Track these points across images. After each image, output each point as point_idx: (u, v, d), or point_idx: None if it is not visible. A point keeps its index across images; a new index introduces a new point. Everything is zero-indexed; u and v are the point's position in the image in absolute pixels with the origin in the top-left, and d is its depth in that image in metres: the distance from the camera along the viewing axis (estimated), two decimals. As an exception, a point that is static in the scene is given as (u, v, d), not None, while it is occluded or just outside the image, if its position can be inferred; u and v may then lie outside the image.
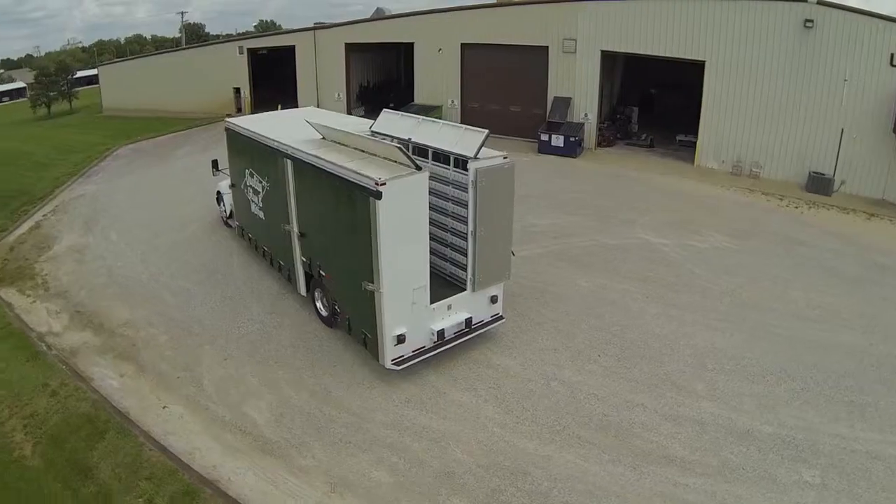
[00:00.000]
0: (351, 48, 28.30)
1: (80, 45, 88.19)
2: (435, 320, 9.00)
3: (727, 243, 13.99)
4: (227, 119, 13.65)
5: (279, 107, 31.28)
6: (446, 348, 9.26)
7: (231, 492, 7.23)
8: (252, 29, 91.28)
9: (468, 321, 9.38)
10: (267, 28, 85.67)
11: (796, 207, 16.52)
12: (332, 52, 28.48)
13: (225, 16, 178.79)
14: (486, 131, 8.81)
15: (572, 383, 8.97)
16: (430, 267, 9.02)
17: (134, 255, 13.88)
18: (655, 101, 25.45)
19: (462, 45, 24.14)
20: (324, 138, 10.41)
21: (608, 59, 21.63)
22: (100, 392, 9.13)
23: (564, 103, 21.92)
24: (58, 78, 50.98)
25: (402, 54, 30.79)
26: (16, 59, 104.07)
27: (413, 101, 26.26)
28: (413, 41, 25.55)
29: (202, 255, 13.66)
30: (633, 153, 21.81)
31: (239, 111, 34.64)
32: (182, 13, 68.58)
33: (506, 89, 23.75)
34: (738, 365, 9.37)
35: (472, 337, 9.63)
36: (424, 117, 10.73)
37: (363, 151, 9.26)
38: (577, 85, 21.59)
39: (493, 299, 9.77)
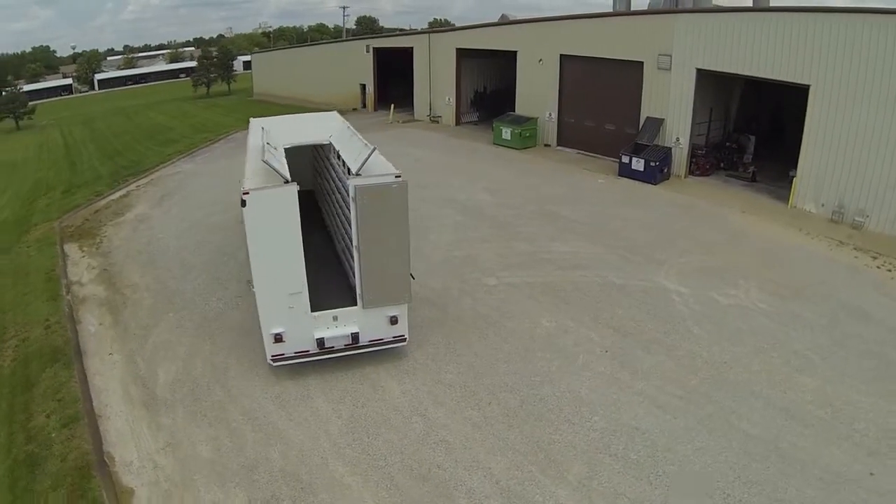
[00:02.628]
0: (463, 54, 30.16)
1: (268, 30, 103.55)
2: (318, 328, 10.10)
3: (761, 302, 12.52)
4: (252, 120, 16.04)
5: (392, 106, 34.76)
6: (333, 357, 10.34)
7: (100, 426, 9.42)
8: (426, 26, 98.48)
9: (355, 336, 10.26)
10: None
11: (888, 271, 13.92)
12: (444, 57, 30.67)
13: (407, 14, 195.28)
14: (374, 147, 9.70)
15: (435, 425, 9.14)
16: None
17: (177, 230, 17.36)
18: (786, 132, 22.70)
19: (561, 56, 24.47)
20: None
21: (725, 80, 20.12)
22: (77, 333, 12.12)
23: (656, 125, 20.96)
24: (219, 61, 61.52)
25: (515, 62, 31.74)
26: (207, 38, 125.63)
27: (514, 110, 27.08)
28: (516, 50, 26.37)
29: (226, 238, 16.51)
30: (726, 186, 19.98)
31: (364, 106, 38.90)
32: (344, 7, 77.89)
33: (602, 105, 23.59)
34: (650, 458, 8.33)
35: (373, 353, 10.54)
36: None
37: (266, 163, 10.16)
38: (671, 105, 20.50)
39: (393, 320, 10.37)
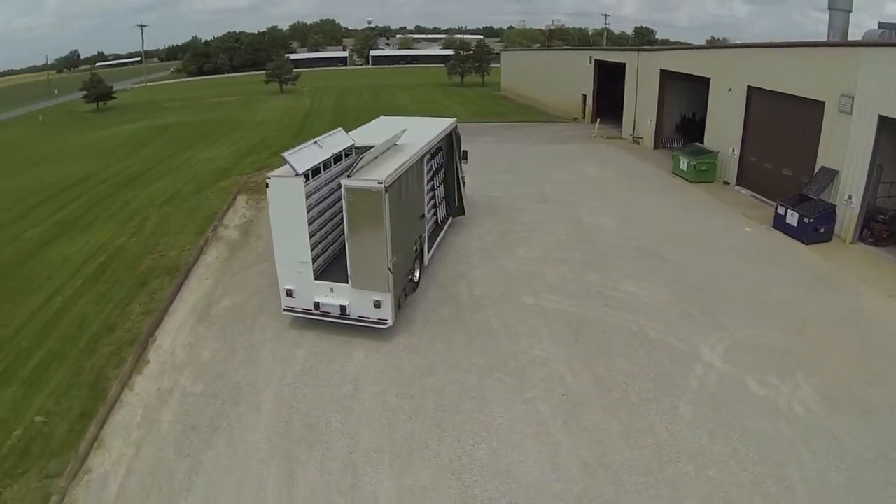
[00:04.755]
0: (668, 76, 29.52)
1: (558, 26, 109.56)
2: (318, 294, 12.98)
3: (802, 406, 10.65)
4: (383, 116, 19.44)
5: (598, 121, 35.58)
6: (329, 321, 13.07)
7: (163, 320, 13.74)
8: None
9: (343, 308, 12.83)
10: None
11: None
12: (649, 77, 30.44)
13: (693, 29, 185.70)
14: (363, 156, 12.14)
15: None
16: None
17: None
18: None
19: (749, 87, 22.73)
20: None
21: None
22: (196, 261, 17.12)
23: (829, 176, 18.43)
24: (475, 54, 68.21)
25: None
26: (496, 28, 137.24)
27: (702, 141, 25.98)
28: (709, 76, 25.14)
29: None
30: (897, 263, 16.70)
31: (583, 117, 40.13)
32: (605, 15, 79.75)
33: (781, 147, 21.54)
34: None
35: (360, 326, 12.89)
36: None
37: None
38: (848, 156, 17.78)
39: (377, 304, 12.63)
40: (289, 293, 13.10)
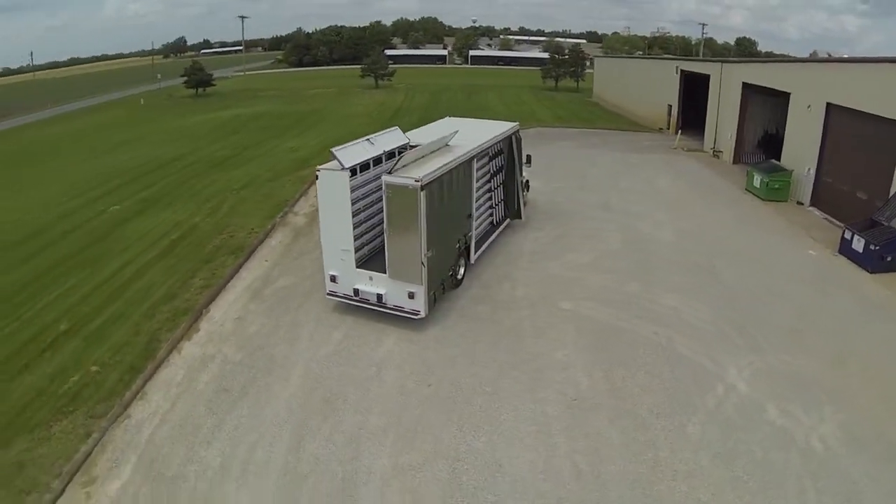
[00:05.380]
0: (750, 89, 28.42)
1: (663, 34, 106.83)
2: (358, 281, 13.99)
3: (820, 442, 10.11)
4: (449, 117, 20.17)
5: (679, 133, 34.75)
6: (367, 307, 14.03)
7: (220, 294, 15.14)
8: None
9: (379, 296, 13.75)
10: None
11: None
12: (731, 90, 29.48)
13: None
14: (405, 154, 12.84)
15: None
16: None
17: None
18: None
19: (828, 105, 21.55)
20: None
21: None
22: (261, 243, 18.62)
23: (904, 203, 17.39)
24: (570, 60, 67.73)
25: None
26: (600, 33, 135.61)
27: (779, 158, 24.96)
28: (789, 91, 24.04)
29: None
30: None
31: (668, 128, 39.18)
32: (703, 25, 76.59)
33: (857, 169, 20.38)
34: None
35: (395, 315, 13.71)
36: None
37: None
38: (923, 181, 16.72)
39: (411, 295, 13.45)
40: (332, 278, 14.16)
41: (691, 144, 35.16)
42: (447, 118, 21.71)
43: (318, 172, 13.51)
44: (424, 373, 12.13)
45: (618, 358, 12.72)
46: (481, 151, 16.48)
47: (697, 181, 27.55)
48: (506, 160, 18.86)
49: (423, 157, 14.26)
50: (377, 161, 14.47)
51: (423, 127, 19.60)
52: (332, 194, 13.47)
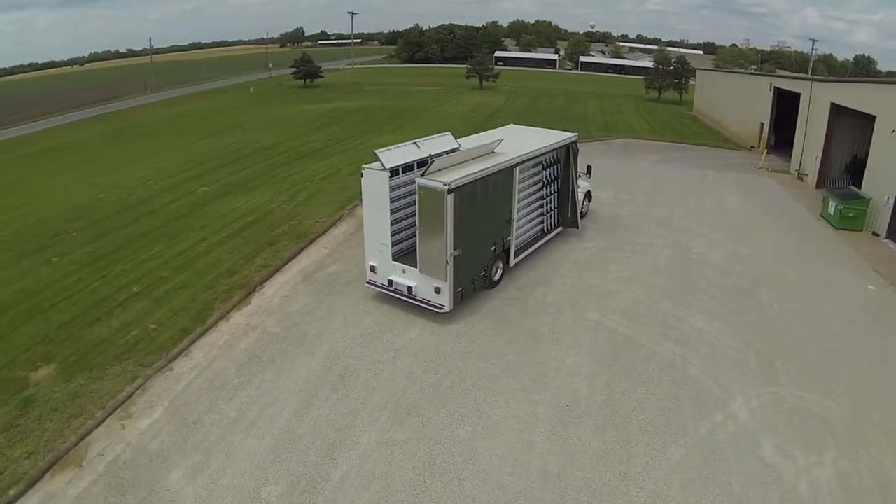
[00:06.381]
0: (838, 109, 26.71)
1: (784, 49, 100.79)
2: (392, 273, 15.28)
3: (825, 486, 9.99)
4: (512, 125, 20.87)
5: (765, 152, 33.31)
6: (400, 298, 15.24)
7: (275, 275, 16.99)
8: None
9: (409, 288, 14.94)
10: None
11: None
12: (819, 109, 27.87)
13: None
14: (439, 158, 13.85)
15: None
16: None
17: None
18: None
19: (912, 129, 20.14)
20: None
21: None
22: (326, 231, 20.52)
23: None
24: (675, 71, 65.95)
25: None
26: (717, 44, 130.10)
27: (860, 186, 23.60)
28: (875, 115, 22.52)
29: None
30: None
31: (758, 146, 37.54)
32: (813, 41, 71.52)
33: (934, 201, 18.82)
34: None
35: (424, 307, 14.85)
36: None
37: None
38: None
39: (437, 290, 14.52)
40: (372, 269, 15.55)
41: (778, 165, 33.62)
42: (510, 125, 22.48)
43: (362, 170, 14.85)
44: (435, 362, 13.15)
45: (625, 371, 13.04)
46: (528, 160, 17.17)
47: (770, 203, 26.41)
48: (561, 169, 19.40)
49: (462, 162, 15.21)
50: (422, 163, 15.52)
51: (481, 133, 20.48)
52: (375, 191, 14.79)
